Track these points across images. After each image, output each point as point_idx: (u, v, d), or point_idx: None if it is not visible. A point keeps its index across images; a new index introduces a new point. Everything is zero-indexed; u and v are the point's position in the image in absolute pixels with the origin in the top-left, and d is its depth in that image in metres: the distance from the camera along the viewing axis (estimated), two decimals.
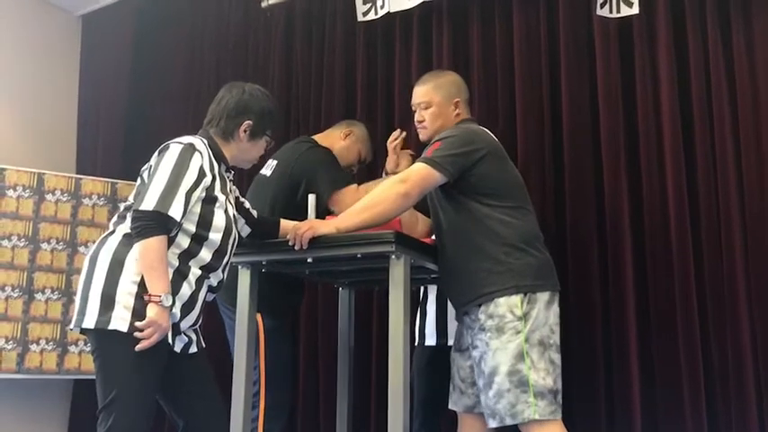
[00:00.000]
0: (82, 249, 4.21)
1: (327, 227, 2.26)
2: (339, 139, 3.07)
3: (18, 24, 4.70)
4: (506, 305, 2.26)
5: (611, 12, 3.14)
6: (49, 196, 4.20)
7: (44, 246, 4.15)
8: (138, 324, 2.01)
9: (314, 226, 2.26)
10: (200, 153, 2.18)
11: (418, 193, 2.33)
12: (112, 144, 4.72)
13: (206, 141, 2.26)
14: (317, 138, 3.09)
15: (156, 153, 2.20)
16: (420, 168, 2.34)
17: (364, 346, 3.44)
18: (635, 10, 3.09)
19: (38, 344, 4.05)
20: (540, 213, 3.12)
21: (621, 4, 3.12)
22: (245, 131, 2.32)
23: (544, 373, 2.22)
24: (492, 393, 2.23)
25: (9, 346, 3.97)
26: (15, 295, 4.04)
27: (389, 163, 3.04)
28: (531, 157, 3.26)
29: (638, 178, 3.08)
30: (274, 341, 2.67)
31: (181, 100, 4.54)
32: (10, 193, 4.11)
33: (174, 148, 2.16)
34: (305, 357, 3.73)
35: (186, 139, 2.22)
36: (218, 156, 2.28)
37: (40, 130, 4.71)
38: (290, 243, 2.26)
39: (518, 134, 3.31)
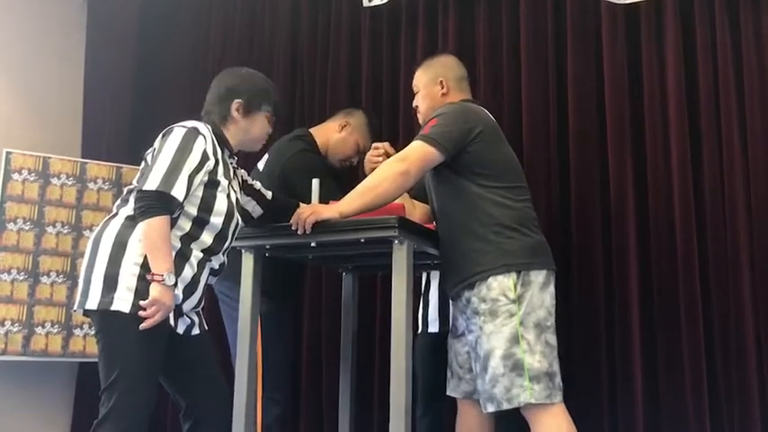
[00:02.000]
0: (87, 233, 4.21)
1: (330, 211, 2.26)
2: (335, 132, 3.01)
3: (23, 8, 4.69)
4: (499, 288, 2.24)
5: None
6: (54, 180, 4.20)
7: (49, 229, 4.16)
8: (141, 303, 2.02)
9: (317, 210, 2.26)
10: (204, 137, 2.19)
11: (417, 170, 2.31)
12: (118, 128, 4.72)
13: (209, 126, 2.27)
14: (315, 131, 3.02)
15: (160, 136, 2.21)
16: (418, 146, 2.33)
17: (367, 332, 3.44)
18: None
19: (43, 326, 4.07)
20: (544, 197, 3.14)
21: None
22: (237, 110, 2.32)
23: (540, 356, 2.20)
24: (488, 378, 2.22)
25: (15, 329, 3.99)
26: (21, 278, 4.06)
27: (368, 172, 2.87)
28: (537, 143, 3.25)
29: (643, 164, 3.08)
30: (271, 324, 2.67)
31: (186, 84, 4.53)
32: (16, 176, 4.12)
33: (178, 132, 2.17)
34: (308, 342, 3.74)
35: (190, 123, 2.22)
36: (221, 141, 2.28)
37: (46, 114, 4.71)
38: (293, 228, 2.26)
39: (523, 119, 3.30)
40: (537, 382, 2.18)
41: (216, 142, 2.25)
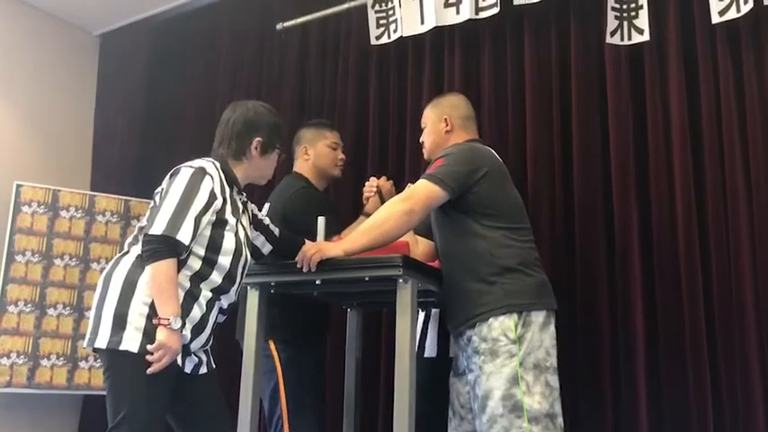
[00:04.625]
0: (94, 266, 4.25)
1: (335, 249, 2.28)
2: (305, 162, 3.06)
3: (37, 42, 4.78)
4: (500, 328, 2.25)
5: (622, 39, 3.17)
6: (63, 212, 4.25)
7: (57, 261, 4.19)
8: (148, 347, 2.03)
9: (322, 248, 2.28)
10: (211, 176, 2.20)
11: (422, 209, 2.33)
12: (127, 162, 4.78)
13: (218, 164, 2.28)
14: (299, 171, 3.07)
15: (168, 176, 2.23)
16: (423, 185, 2.35)
17: (372, 364, 3.44)
18: (646, 37, 3.11)
19: (48, 359, 4.08)
20: (549, 234, 3.16)
21: (632, 31, 3.15)
22: (256, 148, 2.34)
23: (540, 397, 2.19)
24: (486, 418, 2.21)
25: (20, 361, 4.01)
26: (28, 310, 4.08)
27: (369, 205, 2.97)
28: (542, 183, 3.27)
29: (647, 203, 3.08)
30: (291, 371, 2.68)
31: (195, 120, 4.59)
32: (25, 208, 4.17)
33: (185, 172, 2.19)
34: None
35: (197, 162, 2.24)
36: (230, 179, 2.30)
37: (56, 147, 4.78)
38: (299, 265, 2.28)
39: (528, 160, 3.32)
40: (536, 423, 2.18)
41: (224, 180, 2.26)
